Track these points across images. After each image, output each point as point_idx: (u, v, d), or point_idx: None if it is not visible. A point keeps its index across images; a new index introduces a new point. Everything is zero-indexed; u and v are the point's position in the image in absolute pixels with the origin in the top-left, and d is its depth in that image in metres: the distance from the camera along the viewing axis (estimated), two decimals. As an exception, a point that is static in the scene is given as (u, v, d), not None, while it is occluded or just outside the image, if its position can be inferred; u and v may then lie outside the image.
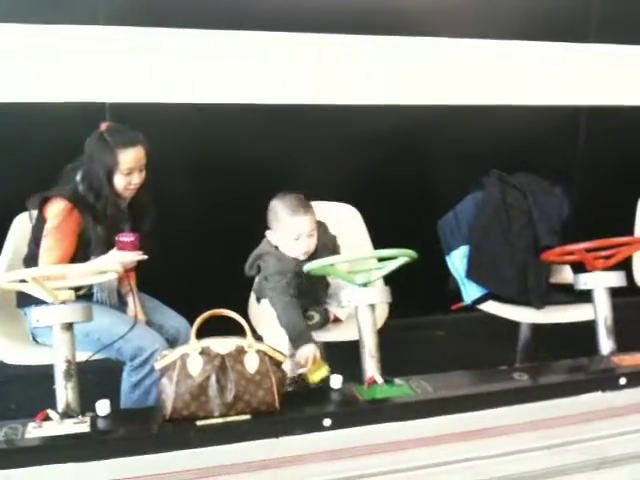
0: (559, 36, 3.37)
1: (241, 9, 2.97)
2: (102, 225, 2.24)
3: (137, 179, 2.28)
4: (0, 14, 2.67)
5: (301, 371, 1.91)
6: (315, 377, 1.90)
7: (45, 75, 2.77)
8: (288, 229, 2.28)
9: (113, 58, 2.83)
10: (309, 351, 2.09)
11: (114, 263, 2.07)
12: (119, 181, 2.25)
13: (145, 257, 2.20)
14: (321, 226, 2.44)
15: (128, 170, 2.24)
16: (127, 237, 2.16)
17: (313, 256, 2.30)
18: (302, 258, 2.30)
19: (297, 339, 2.14)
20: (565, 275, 2.79)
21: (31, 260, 2.26)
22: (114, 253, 2.17)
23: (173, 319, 2.41)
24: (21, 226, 2.45)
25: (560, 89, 3.45)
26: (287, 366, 1.98)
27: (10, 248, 2.43)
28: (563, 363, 2.21)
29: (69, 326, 1.79)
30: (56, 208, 2.22)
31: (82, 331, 1.98)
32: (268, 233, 2.36)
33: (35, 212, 2.30)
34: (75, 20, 2.76)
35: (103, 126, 2.27)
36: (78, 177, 2.27)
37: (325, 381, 1.99)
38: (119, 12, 2.81)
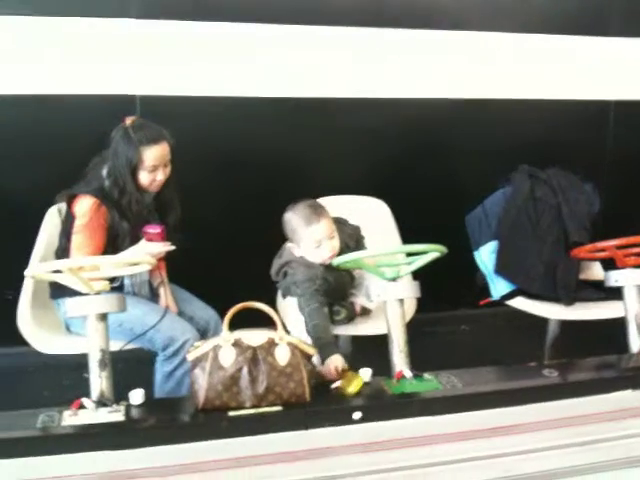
0: (589, 30, 3.34)
1: (269, 2, 2.98)
2: (127, 220, 2.26)
3: (162, 175, 2.28)
4: (32, 7, 2.71)
5: (336, 385, 1.91)
6: (352, 389, 1.89)
7: (76, 67, 2.82)
8: (307, 239, 2.25)
9: (144, 51, 2.86)
10: (336, 363, 2.01)
11: (143, 254, 2.11)
12: (143, 177, 2.26)
13: (173, 247, 2.22)
14: (340, 222, 2.43)
15: (152, 167, 2.24)
16: (154, 229, 2.19)
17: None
18: (329, 261, 2.26)
19: (322, 350, 2.07)
20: (595, 271, 2.77)
21: (62, 253, 2.28)
22: (143, 244, 2.19)
23: (203, 311, 2.43)
24: (53, 218, 2.47)
25: (591, 83, 3.42)
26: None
27: (43, 240, 2.45)
28: (593, 360, 2.19)
29: (103, 316, 1.82)
30: (84, 205, 2.23)
31: (115, 321, 2.02)
32: (290, 246, 2.33)
33: (64, 206, 2.33)
34: (107, 13, 2.79)
35: (128, 121, 2.26)
36: (104, 172, 2.28)
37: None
38: (150, 5, 2.84)
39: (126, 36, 2.83)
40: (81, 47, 2.79)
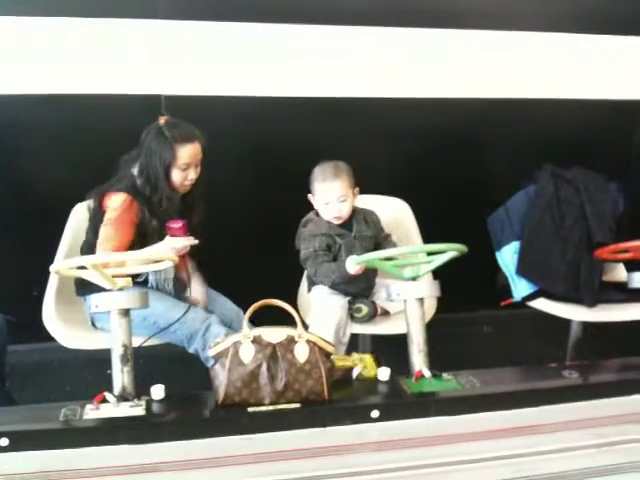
0: (615, 29, 3.31)
1: (294, 2, 3.00)
2: (157, 218, 2.29)
3: (193, 174, 2.33)
4: (59, 8, 2.75)
5: (356, 374, 1.94)
6: (372, 372, 1.93)
7: (102, 67, 2.85)
8: (319, 194, 2.43)
9: (169, 51, 2.89)
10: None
11: (167, 249, 2.14)
12: (176, 176, 2.30)
13: (196, 242, 2.26)
14: (373, 215, 2.57)
15: (185, 165, 2.29)
16: (176, 223, 2.23)
17: (364, 245, 2.42)
18: (335, 222, 2.44)
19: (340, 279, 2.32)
20: (618, 273, 2.75)
21: (88, 249, 2.32)
22: (167, 240, 2.23)
23: (227, 307, 2.45)
24: (79, 215, 2.52)
25: (616, 83, 3.39)
26: None
27: (69, 237, 2.49)
28: (614, 362, 2.17)
29: (126, 312, 1.85)
30: (117, 200, 2.27)
31: (139, 315, 2.06)
32: (309, 196, 2.49)
33: (92, 203, 2.36)
34: (133, 13, 2.82)
35: (161, 120, 2.31)
36: (135, 170, 2.32)
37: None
38: (176, 6, 2.87)
39: (152, 36, 2.86)
40: (107, 47, 2.83)
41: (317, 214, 2.50)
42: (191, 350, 2.27)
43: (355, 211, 2.51)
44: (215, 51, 2.94)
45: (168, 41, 2.87)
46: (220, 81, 2.97)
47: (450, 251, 2.03)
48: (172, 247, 2.18)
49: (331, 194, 2.41)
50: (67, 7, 2.75)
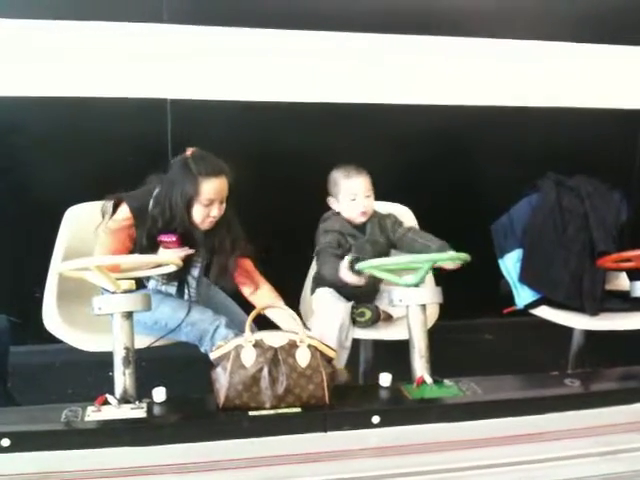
0: (619, 38, 3.32)
1: (300, 9, 3.01)
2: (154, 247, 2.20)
3: (216, 211, 2.20)
4: (65, 12, 2.77)
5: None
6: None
7: (108, 71, 2.86)
8: (345, 191, 2.48)
9: (175, 55, 2.90)
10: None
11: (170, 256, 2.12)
12: (197, 212, 2.18)
13: (191, 251, 2.19)
14: (389, 217, 2.60)
15: (208, 201, 2.17)
16: (169, 237, 2.15)
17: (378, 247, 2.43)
18: (360, 219, 2.49)
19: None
20: (621, 282, 2.74)
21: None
22: (162, 252, 2.17)
23: (239, 316, 2.38)
24: (74, 217, 2.50)
25: (621, 92, 3.39)
26: None
27: (65, 239, 2.46)
28: (616, 370, 2.17)
29: (129, 315, 1.85)
30: (122, 213, 2.22)
31: (150, 319, 2.08)
32: (329, 199, 2.53)
33: (111, 206, 2.30)
34: (139, 18, 2.84)
35: (189, 152, 2.20)
36: (152, 198, 2.22)
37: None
38: (182, 10, 2.88)
39: (158, 40, 2.87)
40: (113, 51, 2.84)
41: (335, 213, 2.53)
42: (202, 350, 2.25)
43: (371, 214, 2.55)
44: (220, 55, 2.95)
45: (174, 45, 2.88)
46: (225, 85, 2.98)
47: (453, 260, 2.03)
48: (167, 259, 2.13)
49: (358, 189, 2.47)
50: (73, 10, 2.76)
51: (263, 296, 2.35)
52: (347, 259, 2.23)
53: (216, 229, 2.28)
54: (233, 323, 2.29)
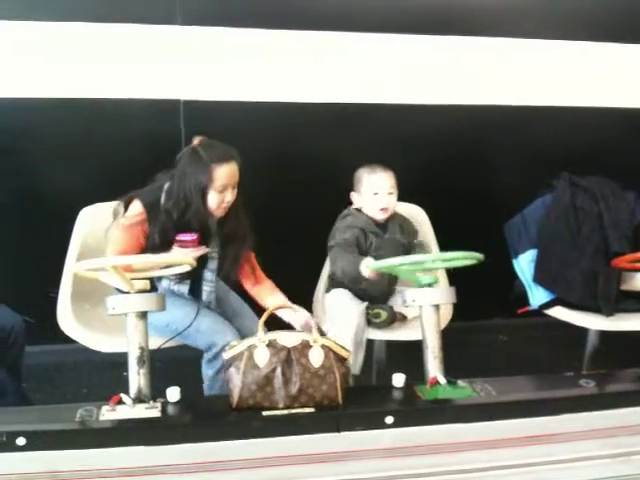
0: (634, 37, 3.30)
1: (315, 9, 3.01)
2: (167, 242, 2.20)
3: (230, 197, 2.22)
4: (79, 14, 2.78)
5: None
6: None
7: (121, 72, 2.88)
8: (368, 186, 2.52)
9: (188, 56, 2.91)
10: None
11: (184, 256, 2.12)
12: (212, 198, 2.19)
13: (207, 250, 2.20)
14: (410, 223, 2.65)
15: (222, 187, 2.18)
16: (189, 236, 2.15)
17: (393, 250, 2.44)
18: (381, 216, 2.53)
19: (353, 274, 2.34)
20: (636, 282, 2.71)
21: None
22: (176, 251, 2.16)
23: (252, 322, 2.36)
24: (87, 218, 2.53)
25: (635, 91, 3.37)
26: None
27: (79, 239, 2.50)
28: (631, 372, 2.15)
29: (143, 314, 1.85)
30: (134, 209, 2.22)
31: (163, 321, 2.09)
32: (352, 195, 2.58)
33: (122, 206, 2.31)
34: (153, 19, 2.85)
35: (196, 141, 2.22)
36: (164, 191, 2.23)
37: None
38: (195, 12, 2.89)
39: (171, 42, 2.89)
40: (126, 52, 2.86)
41: (358, 210, 2.57)
42: (205, 359, 2.25)
43: (394, 215, 2.58)
44: (233, 57, 2.96)
45: (187, 47, 2.90)
46: (238, 86, 2.99)
47: (466, 260, 2.02)
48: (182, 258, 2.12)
49: (381, 184, 2.51)
50: (87, 13, 2.78)
51: (265, 290, 2.38)
52: (366, 261, 2.26)
53: (228, 216, 2.30)
54: (247, 327, 2.30)
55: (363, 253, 2.46)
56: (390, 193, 2.52)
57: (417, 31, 3.10)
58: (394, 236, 2.54)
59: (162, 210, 2.20)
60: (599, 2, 3.26)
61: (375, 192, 2.50)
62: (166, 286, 2.30)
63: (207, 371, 2.25)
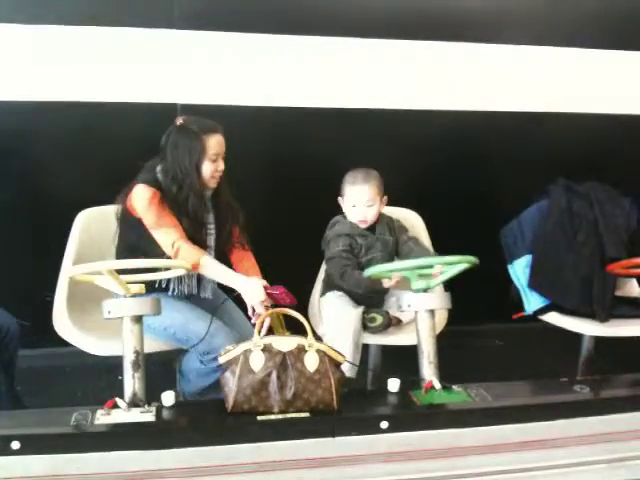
0: (631, 44, 3.32)
1: (313, 14, 3.02)
2: (186, 219, 2.24)
3: (222, 165, 2.29)
4: (77, 17, 2.79)
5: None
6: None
7: (119, 76, 2.88)
8: (348, 197, 2.51)
9: (186, 61, 2.91)
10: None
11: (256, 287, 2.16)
12: (206, 168, 2.24)
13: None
14: (396, 221, 2.63)
15: (214, 155, 2.24)
16: (278, 289, 2.14)
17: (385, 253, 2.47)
18: (362, 225, 2.51)
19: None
20: (631, 288, 2.73)
21: (125, 251, 2.27)
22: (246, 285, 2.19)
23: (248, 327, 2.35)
24: (85, 222, 2.52)
25: (631, 97, 3.39)
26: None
27: (75, 243, 2.48)
28: (625, 377, 2.16)
29: (138, 318, 1.85)
30: (142, 192, 2.20)
31: (161, 324, 2.09)
32: (339, 199, 2.55)
33: (121, 206, 2.31)
34: (151, 24, 2.86)
35: (179, 119, 2.26)
36: (158, 170, 2.26)
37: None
38: (194, 16, 2.90)
39: (169, 46, 2.89)
40: (124, 56, 2.86)
41: (344, 217, 2.56)
42: (198, 360, 2.25)
43: (381, 216, 2.58)
44: (231, 61, 2.96)
45: (185, 50, 2.90)
46: (236, 90, 2.99)
47: (461, 263, 2.02)
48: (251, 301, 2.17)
49: (359, 197, 2.48)
50: (86, 16, 2.78)
51: (247, 262, 2.42)
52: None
53: (220, 189, 2.36)
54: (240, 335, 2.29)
55: (356, 256, 2.48)
56: (369, 205, 2.49)
57: (415, 37, 3.11)
58: (383, 236, 2.55)
59: (164, 187, 2.23)
60: (598, 10, 3.27)
61: (353, 204, 2.50)
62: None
63: (199, 365, 2.22)
